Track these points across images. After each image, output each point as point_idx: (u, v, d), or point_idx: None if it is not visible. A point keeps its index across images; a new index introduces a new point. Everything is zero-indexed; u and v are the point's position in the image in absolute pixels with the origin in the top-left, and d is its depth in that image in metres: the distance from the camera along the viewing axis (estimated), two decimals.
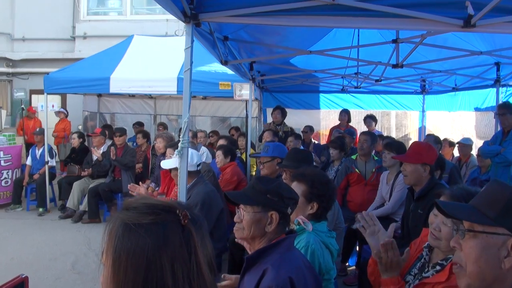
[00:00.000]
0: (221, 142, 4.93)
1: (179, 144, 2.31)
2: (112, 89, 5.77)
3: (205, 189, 2.98)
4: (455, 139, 5.77)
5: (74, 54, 9.76)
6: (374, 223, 1.65)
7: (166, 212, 0.85)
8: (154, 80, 5.72)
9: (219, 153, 4.29)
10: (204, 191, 2.92)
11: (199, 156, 3.11)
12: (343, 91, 6.97)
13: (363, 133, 4.25)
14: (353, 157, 4.19)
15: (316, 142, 6.74)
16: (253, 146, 5.67)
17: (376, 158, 4.13)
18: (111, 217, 0.86)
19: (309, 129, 6.47)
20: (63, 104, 9.45)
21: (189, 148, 3.03)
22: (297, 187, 1.89)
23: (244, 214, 1.57)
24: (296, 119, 7.15)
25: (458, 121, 6.69)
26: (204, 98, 7.87)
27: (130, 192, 3.14)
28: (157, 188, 3.73)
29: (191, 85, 2.31)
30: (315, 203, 1.87)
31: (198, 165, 3.06)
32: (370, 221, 1.64)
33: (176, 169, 2.79)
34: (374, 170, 4.00)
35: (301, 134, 6.27)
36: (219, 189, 3.43)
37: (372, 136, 4.12)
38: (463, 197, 1.43)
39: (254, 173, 5.19)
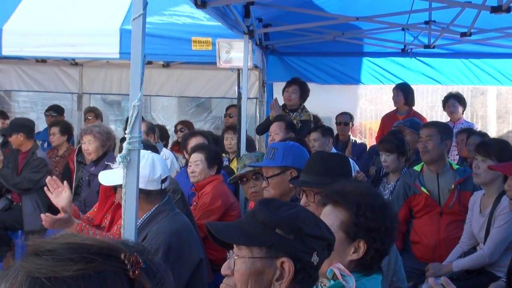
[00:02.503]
0: (196, 140, 4.95)
1: (124, 145, 2.31)
2: (5, 50, 5.77)
3: (174, 223, 2.97)
4: None
5: None
6: None
7: (104, 258, 0.86)
8: (79, 34, 5.72)
9: (197, 160, 4.30)
10: (171, 228, 2.94)
11: (163, 165, 3.09)
12: (404, 53, 7.02)
13: (427, 125, 4.27)
14: (417, 167, 4.21)
15: (359, 140, 6.77)
16: (250, 146, 5.69)
17: (456, 166, 4.16)
18: (9, 269, 0.86)
19: (347, 119, 6.50)
20: None
21: (147, 152, 3.04)
22: (332, 216, 1.92)
23: (236, 262, 1.59)
24: (323, 102, 7.19)
25: None
26: (167, 65, 7.90)
27: (43, 224, 3.13)
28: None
29: (145, 43, 2.32)
30: (363, 243, 1.89)
31: (162, 181, 3.04)
32: None
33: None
34: (453, 187, 4.01)
35: (334, 127, 6.31)
36: (192, 222, 3.44)
37: (443, 129, 4.14)
38: None
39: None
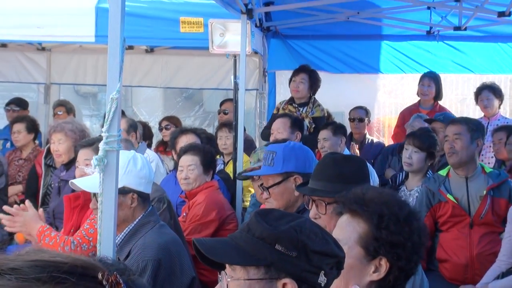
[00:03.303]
0: (187, 139, 4.96)
1: (101, 146, 2.32)
2: None
3: (161, 236, 3.01)
4: None
5: None
6: None
7: (78, 278, 0.86)
8: (47, 14, 5.72)
9: (192, 163, 4.29)
10: (159, 242, 2.97)
11: (148, 168, 3.12)
12: (430, 36, 7.04)
13: (455, 121, 4.26)
14: (442, 172, 4.23)
15: (376, 139, 6.76)
16: (249, 147, 5.70)
17: (489, 169, 4.16)
18: None
19: (362, 114, 6.50)
20: None
21: (129, 152, 3.06)
22: (349, 228, 1.93)
23: (230, 285, 1.60)
24: (334, 94, 7.18)
25: None
26: (151, 50, 7.91)
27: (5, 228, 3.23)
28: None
29: (124, 24, 2.33)
30: (385, 260, 1.88)
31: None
32: None
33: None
34: (484, 193, 4.02)
35: (347, 123, 6.30)
36: (181, 237, 3.46)
37: (473, 126, 4.14)
38: None
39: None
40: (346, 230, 1.90)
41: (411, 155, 4.48)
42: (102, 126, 2.38)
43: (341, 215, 1.98)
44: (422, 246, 1.93)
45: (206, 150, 4.46)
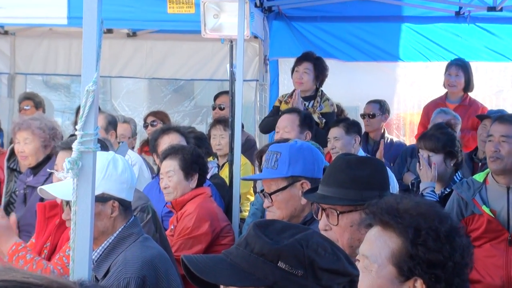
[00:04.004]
0: (170, 140, 4.93)
1: (74, 146, 2.31)
2: None
3: (145, 251, 3.00)
4: None
5: None
6: None
7: None
8: None
9: (170, 169, 4.31)
10: (143, 257, 2.98)
11: (130, 171, 3.12)
12: (459, 17, 7.06)
13: (503, 119, 4.22)
14: (479, 177, 4.21)
15: (396, 139, 6.76)
16: (250, 148, 5.68)
17: None
18: None
19: (374, 109, 6.50)
20: None
21: (108, 153, 3.06)
22: (379, 242, 1.93)
23: None
24: (348, 86, 7.20)
25: None
26: (133, 34, 7.92)
27: None
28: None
29: (102, 3, 2.32)
30: (420, 282, 1.89)
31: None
32: None
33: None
34: None
35: (362, 120, 6.30)
36: (169, 253, 3.45)
37: None
38: None
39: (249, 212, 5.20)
40: (376, 245, 1.89)
41: (427, 161, 4.47)
42: (76, 124, 2.37)
43: (370, 228, 1.97)
44: (465, 267, 1.92)
45: (186, 151, 4.45)
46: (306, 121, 5.06)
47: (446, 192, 4.38)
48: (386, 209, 1.94)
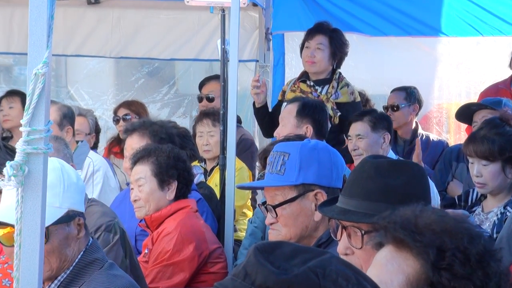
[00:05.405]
0: (139, 140, 4.95)
1: (19, 146, 2.32)
2: None
3: (113, 284, 3.01)
4: None
5: None
6: None
7: None
8: None
9: (139, 177, 4.38)
10: None
11: (80, 177, 3.16)
12: None
13: None
14: None
15: (436, 137, 6.79)
16: (248, 149, 5.72)
17: None
18: None
19: (400, 98, 6.59)
20: None
21: (51, 160, 3.07)
22: (393, 266, 1.94)
23: None
24: (375, 69, 7.30)
25: None
26: (95, 1, 7.95)
27: None
28: None
29: None
30: None
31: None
32: None
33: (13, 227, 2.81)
34: None
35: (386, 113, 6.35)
36: (142, 284, 3.50)
37: None
38: None
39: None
40: (387, 270, 1.92)
41: (480, 171, 4.46)
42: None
43: (380, 248, 1.99)
44: None
45: (162, 152, 4.49)
46: (305, 110, 5.07)
47: (510, 212, 4.35)
48: (401, 223, 1.94)
